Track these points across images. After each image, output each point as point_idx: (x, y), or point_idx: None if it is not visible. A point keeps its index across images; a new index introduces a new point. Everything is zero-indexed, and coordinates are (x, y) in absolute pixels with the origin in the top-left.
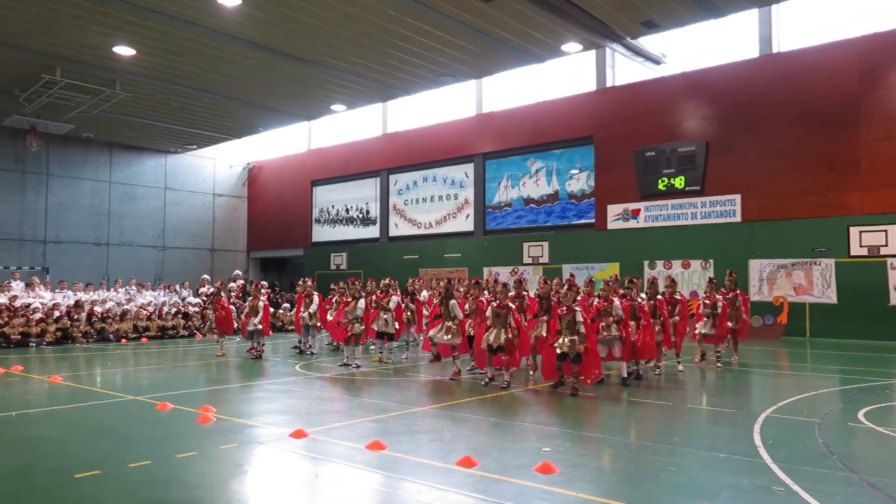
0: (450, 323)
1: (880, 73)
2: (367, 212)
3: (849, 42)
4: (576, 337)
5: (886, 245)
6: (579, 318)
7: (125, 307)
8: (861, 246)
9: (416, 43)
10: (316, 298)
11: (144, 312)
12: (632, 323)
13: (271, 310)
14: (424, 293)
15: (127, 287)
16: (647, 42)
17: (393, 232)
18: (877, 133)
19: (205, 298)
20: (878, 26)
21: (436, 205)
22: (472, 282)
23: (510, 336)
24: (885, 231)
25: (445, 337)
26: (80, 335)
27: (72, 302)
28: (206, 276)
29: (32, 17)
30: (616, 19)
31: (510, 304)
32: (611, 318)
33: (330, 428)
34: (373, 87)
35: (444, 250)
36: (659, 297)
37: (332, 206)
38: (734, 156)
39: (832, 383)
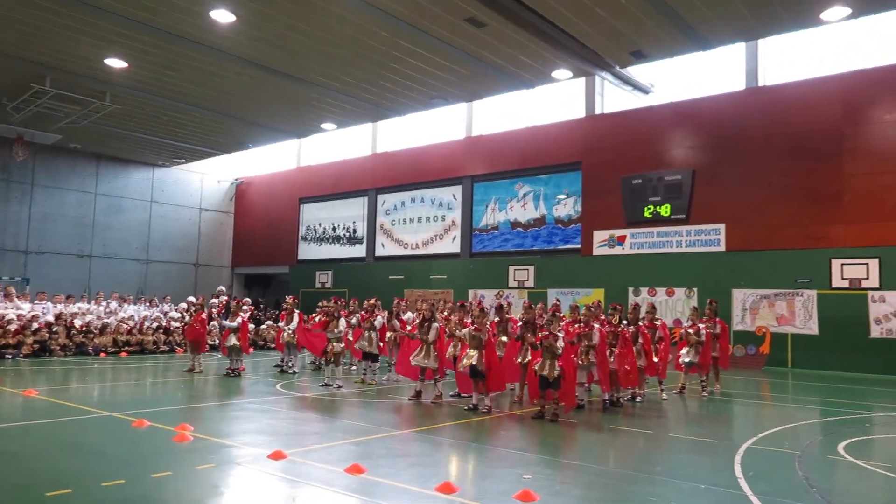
0: (427, 346)
1: (863, 108)
2: (354, 231)
3: (833, 78)
4: (554, 362)
5: (867, 278)
6: (560, 343)
7: (105, 321)
8: (843, 278)
9: (408, 65)
10: (296, 317)
11: (125, 326)
12: (614, 349)
13: (253, 327)
14: (409, 314)
15: (108, 301)
16: (636, 71)
17: (379, 252)
18: (859, 168)
19: (186, 313)
20: (861, 63)
21: (423, 226)
22: (459, 304)
23: (484, 360)
24: (867, 264)
25: (424, 360)
26: (58, 348)
27: (51, 314)
28: (192, 299)
29: (24, 26)
30: (606, 48)
31: (486, 327)
32: (586, 344)
33: (309, 450)
34: (364, 107)
35: (430, 271)
36: (640, 323)
37: (319, 224)
38: (720, 186)
39: (813, 415)
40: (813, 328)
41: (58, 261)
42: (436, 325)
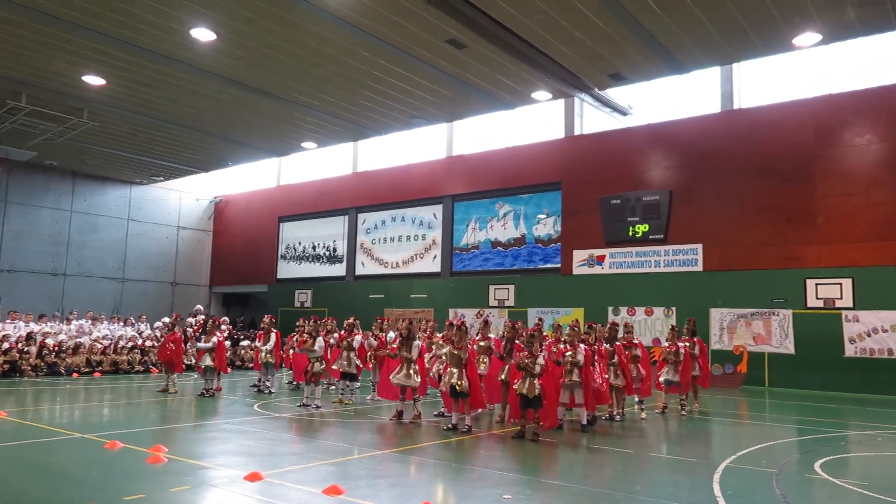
0: (408, 364)
1: (834, 132)
2: (334, 249)
3: (805, 101)
4: (535, 379)
5: (841, 298)
6: (540, 361)
7: (79, 340)
8: (817, 298)
9: (388, 85)
10: (273, 336)
11: (99, 346)
12: (592, 368)
13: (230, 345)
14: (391, 334)
15: (84, 320)
16: (615, 93)
17: (359, 270)
18: (832, 189)
19: (160, 333)
20: (833, 88)
21: (403, 245)
22: (447, 323)
23: (466, 379)
24: (840, 284)
25: (405, 379)
26: (29, 368)
27: (23, 333)
28: (166, 320)
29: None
30: (585, 70)
31: (467, 346)
32: (570, 363)
33: (286, 471)
34: (344, 126)
35: (411, 290)
36: (616, 342)
37: (299, 243)
38: (697, 206)
39: (790, 433)
40: (789, 347)
41: (31, 279)
42: (417, 342)
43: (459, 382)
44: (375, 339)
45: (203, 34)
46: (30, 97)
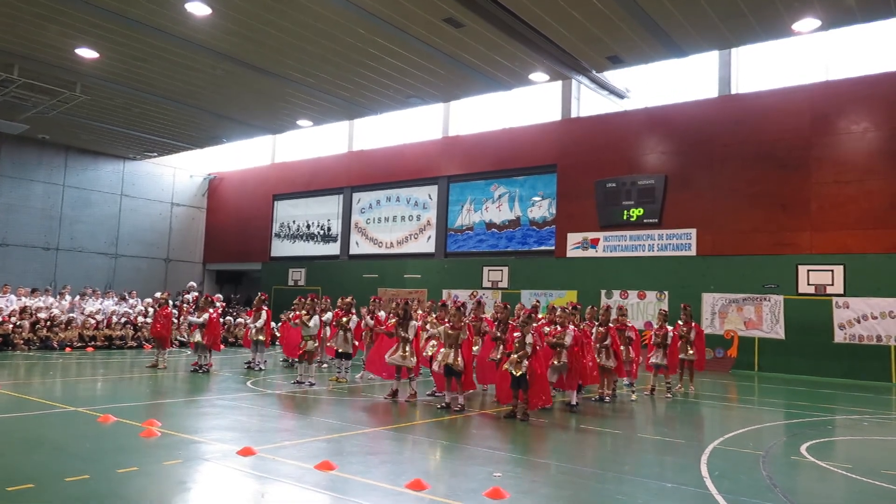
0: (405, 344)
1: (831, 119)
2: (329, 229)
3: (802, 88)
4: (523, 359)
5: (832, 284)
6: (528, 340)
7: (71, 315)
8: (809, 284)
9: (385, 63)
10: (264, 314)
11: (92, 321)
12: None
13: (229, 320)
14: (381, 313)
15: (80, 298)
16: (612, 76)
17: (353, 250)
18: (826, 177)
19: (153, 308)
20: (830, 74)
21: (398, 225)
22: (440, 304)
23: (461, 358)
24: (832, 271)
25: (401, 359)
26: (21, 342)
27: (15, 307)
28: (157, 295)
29: None
30: (583, 52)
31: (465, 326)
32: (563, 349)
33: (279, 446)
34: (340, 104)
35: (404, 271)
36: (610, 325)
37: (293, 222)
38: (691, 191)
39: (777, 417)
40: (779, 333)
41: (23, 253)
42: (413, 323)
43: (455, 362)
44: (372, 319)
45: (198, 8)
46: (22, 69)
